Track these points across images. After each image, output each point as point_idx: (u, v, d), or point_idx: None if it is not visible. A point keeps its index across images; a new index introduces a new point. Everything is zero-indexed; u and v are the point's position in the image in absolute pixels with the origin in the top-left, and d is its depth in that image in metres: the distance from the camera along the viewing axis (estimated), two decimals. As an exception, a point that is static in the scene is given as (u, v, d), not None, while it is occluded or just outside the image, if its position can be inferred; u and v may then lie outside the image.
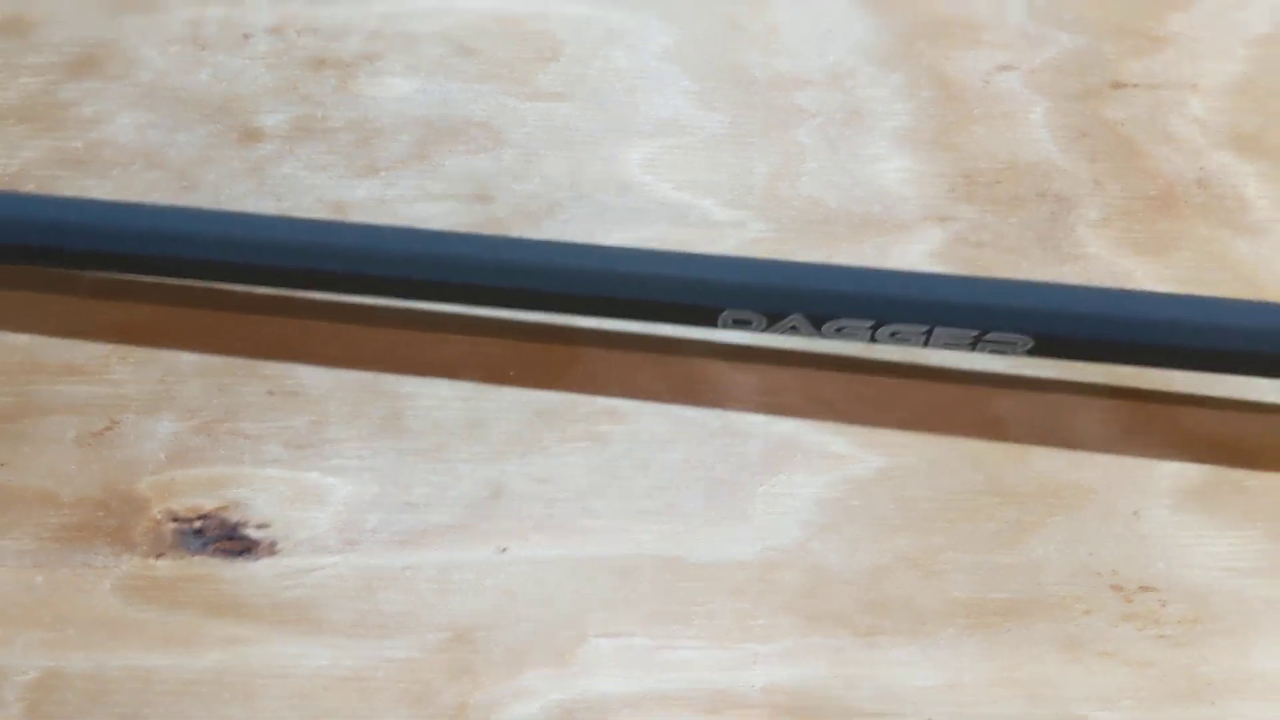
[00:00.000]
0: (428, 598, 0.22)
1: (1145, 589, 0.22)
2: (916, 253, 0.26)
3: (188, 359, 0.24)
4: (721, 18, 0.29)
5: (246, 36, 0.29)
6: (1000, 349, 0.23)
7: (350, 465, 0.23)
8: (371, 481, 0.23)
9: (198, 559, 0.22)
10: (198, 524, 0.22)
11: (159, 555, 0.22)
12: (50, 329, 0.24)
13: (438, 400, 0.24)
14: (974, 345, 0.23)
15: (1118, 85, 0.29)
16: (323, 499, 0.23)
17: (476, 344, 0.25)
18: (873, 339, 0.23)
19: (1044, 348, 0.23)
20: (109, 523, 0.22)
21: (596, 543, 0.22)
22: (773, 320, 0.23)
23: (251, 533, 0.22)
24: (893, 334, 0.23)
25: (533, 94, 0.28)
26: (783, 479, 0.23)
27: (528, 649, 0.21)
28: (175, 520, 0.22)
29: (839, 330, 0.23)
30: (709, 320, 0.23)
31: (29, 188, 0.26)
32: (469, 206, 0.26)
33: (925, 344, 0.23)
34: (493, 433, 0.23)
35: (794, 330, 0.23)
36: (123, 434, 0.23)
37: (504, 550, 0.22)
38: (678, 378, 0.24)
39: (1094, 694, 0.21)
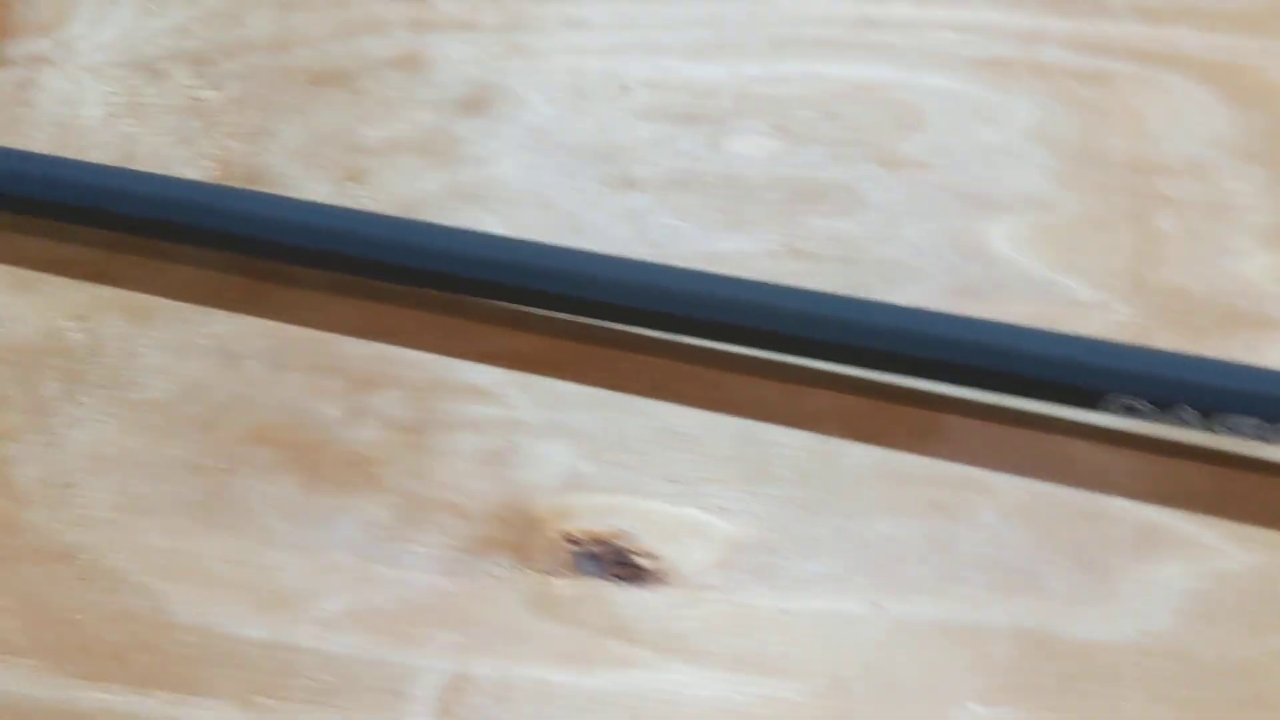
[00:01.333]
0: (805, 643, 0.23)
1: None
2: (1287, 351, 0.26)
3: (579, 391, 0.26)
4: (1083, 101, 0.30)
5: (624, 89, 0.30)
6: (1394, 459, 0.23)
7: (731, 507, 0.24)
8: (750, 524, 0.24)
9: (592, 581, 0.23)
10: (593, 548, 0.24)
11: (557, 574, 0.23)
12: (454, 351, 0.26)
13: (805, 450, 0.25)
14: (1367, 452, 0.23)
15: None
16: (706, 536, 0.24)
17: (842, 400, 0.26)
18: (1262, 437, 0.23)
19: None
20: (511, 538, 0.24)
21: (966, 609, 0.23)
22: (1161, 409, 0.23)
23: (642, 561, 0.23)
24: (1284, 433, 0.23)
25: (895, 161, 0.29)
26: (1153, 566, 0.23)
27: (903, 706, 0.22)
28: (571, 542, 0.24)
29: (1228, 425, 0.23)
30: (1092, 403, 0.24)
31: (428, 217, 0.28)
32: (833, 267, 0.28)
33: (1316, 446, 0.23)
34: (863, 489, 0.24)
35: (1180, 421, 0.23)
36: (520, 456, 0.25)
37: (879, 606, 0.23)
38: (1044, 453, 0.25)
39: None
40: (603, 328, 0.26)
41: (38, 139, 0.29)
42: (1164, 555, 0.23)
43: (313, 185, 0.28)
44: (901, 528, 0.24)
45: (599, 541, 0.24)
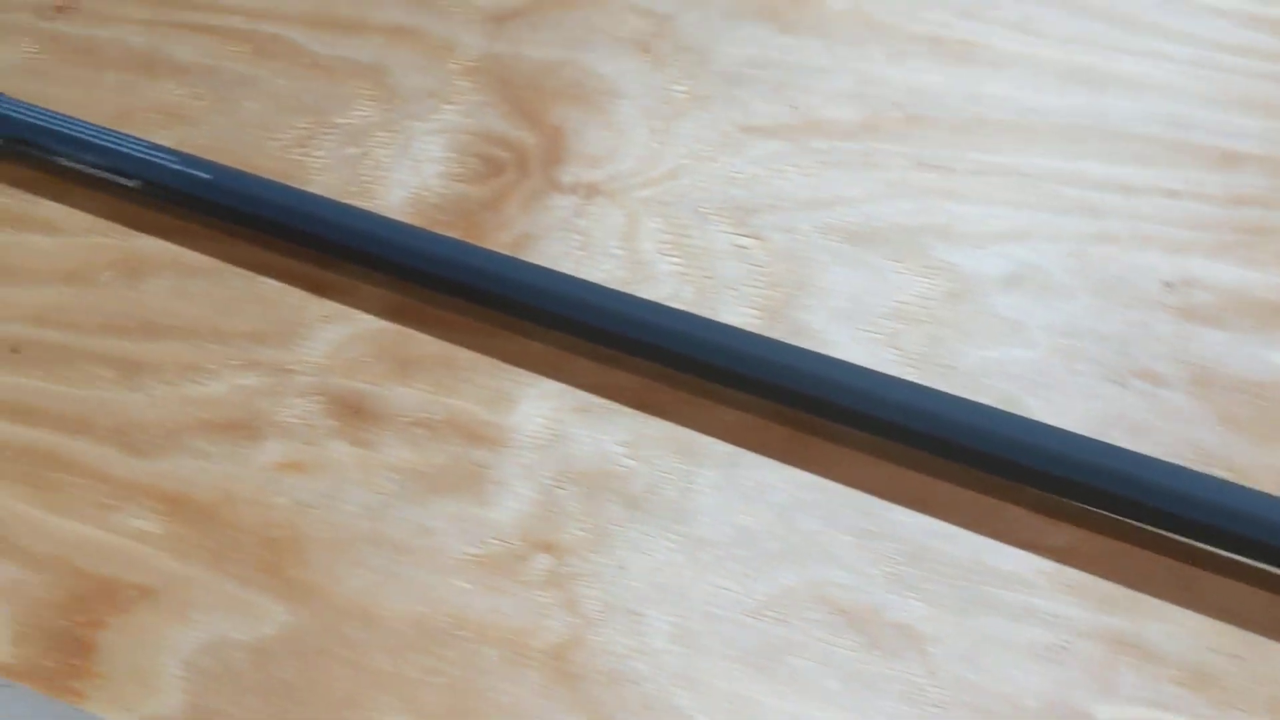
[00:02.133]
0: None
1: None
2: None
3: (1125, 594, 0.25)
4: None
5: (1168, 286, 0.30)
6: None
7: (1300, 749, 0.23)
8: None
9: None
10: (1154, 768, 0.23)
11: (1117, 789, 0.23)
12: (994, 533, 0.26)
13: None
14: None
15: None
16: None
17: None
18: None
19: None
20: (1068, 742, 0.24)
21: None
22: None
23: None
24: None
25: None
26: None
27: None
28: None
29: None
30: None
31: (964, 392, 0.28)
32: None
33: None
34: None
35: None
36: (1071, 656, 0.25)
37: None
38: None
39: None
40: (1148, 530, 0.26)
41: (594, 268, 0.31)
42: None
43: (850, 344, 0.30)
44: None
45: (1162, 762, 0.23)
